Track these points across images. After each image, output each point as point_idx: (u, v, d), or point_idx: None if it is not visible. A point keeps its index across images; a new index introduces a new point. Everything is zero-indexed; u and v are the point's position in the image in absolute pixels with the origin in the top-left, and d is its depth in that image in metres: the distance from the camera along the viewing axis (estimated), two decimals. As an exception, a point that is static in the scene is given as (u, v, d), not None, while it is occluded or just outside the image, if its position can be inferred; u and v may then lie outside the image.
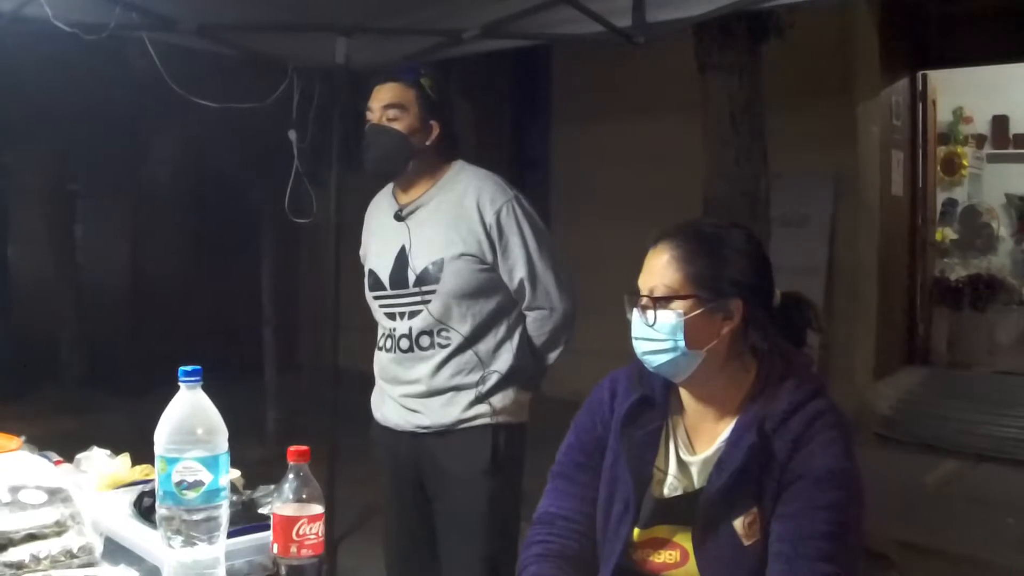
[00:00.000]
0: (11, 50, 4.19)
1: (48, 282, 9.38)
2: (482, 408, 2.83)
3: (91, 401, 8.37)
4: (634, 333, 1.93)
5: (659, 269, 1.90)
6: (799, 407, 1.86)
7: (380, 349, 2.98)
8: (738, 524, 1.84)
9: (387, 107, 2.83)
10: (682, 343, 1.86)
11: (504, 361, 2.85)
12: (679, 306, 1.87)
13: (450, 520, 2.89)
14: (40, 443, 2.40)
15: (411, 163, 2.85)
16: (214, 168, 7.73)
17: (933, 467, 6.54)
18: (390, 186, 3.01)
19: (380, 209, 3.03)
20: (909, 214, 8.73)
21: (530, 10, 3.85)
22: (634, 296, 1.94)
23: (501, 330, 2.86)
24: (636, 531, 1.94)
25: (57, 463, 2.25)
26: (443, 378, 2.83)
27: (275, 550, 1.61)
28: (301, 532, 1.59)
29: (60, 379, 9.02)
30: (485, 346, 2.84)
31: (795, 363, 1.95)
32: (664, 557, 1.92)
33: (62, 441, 2.58)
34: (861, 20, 7.37)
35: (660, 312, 1.88)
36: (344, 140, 4.43)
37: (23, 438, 2.33)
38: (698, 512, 1.87)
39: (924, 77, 8.77)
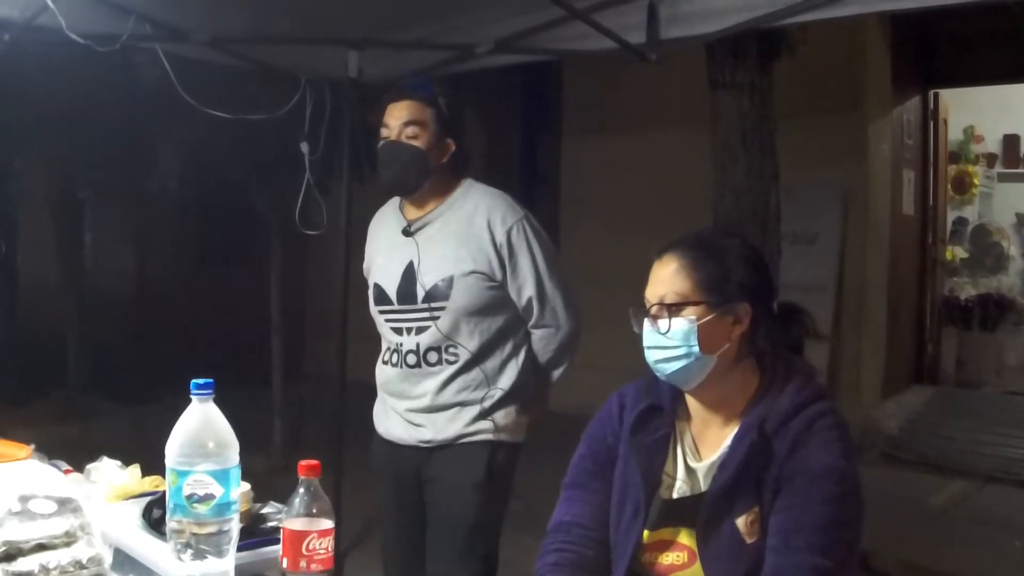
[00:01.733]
0: (23, 58, 4.21)
1: (55, 288, 9.40)
2: (484, 424, 2.85)
3: (96, 408, 8.38)
4: (646, 343, 1.96)
5: (668, 278, 1.94)
6: (800, 409, 1.89)
7: (385, 363, 2.98)
8: (740, 523, 1.87)
9: (406, 124, 2.83)
10: (696, 348, 1.90)
11: (508, 378, 2.87)
12: (691, 312, 1.92)
13: (439, 528, 2.92)
14: (45, 449, 2.40)
15: (428, 179, 2.86)
16: (223, 177, 7.75)
17: (940, 487, 6.51)
18: (395, 201, 3.01)
19: (386, 224, 3.04)
20: (919, 232, 8.71)
21: (543, 26, 3.87)
22: (641, 308, 1.97)
23: (507, 348, 2.88)
24: (645, 533, 1.96)
25: (67, 472, 2.26)
26: (449, 394, 2.85)
27: (284, 564, 1.61)
28: (311, 547, 1.59)
29: (65, 385, 9.03)
30: (492, 363, 2.86)
31: (797, 369, 1.99)
32: (672, 559, 1.95)
33: (67, 448, 2.58)
34: (872, 38, 7.37)
35: (673, 319, 1.91)
36: (355, 152, 4.44)
37: (33, 447, 2.34)
38: (701, 511, 1.90)
39: (935, 96, 8.76)
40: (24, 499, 1.80)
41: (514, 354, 2.89)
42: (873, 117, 7.46)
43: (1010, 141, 10.17)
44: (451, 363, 2.84)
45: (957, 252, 10.08)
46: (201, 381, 1.61)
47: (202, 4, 3.73)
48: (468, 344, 2.83)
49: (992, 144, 10.25)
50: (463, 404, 2.85)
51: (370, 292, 3.02)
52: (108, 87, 6.85)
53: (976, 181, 10.19)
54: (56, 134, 7.97)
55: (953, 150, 9.80)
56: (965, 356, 8.90)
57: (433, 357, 2.85)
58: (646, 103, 7.74)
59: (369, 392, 3.12)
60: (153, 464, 1.68)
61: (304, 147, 4.28)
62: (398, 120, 2.84)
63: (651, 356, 1.95)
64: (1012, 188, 10.26)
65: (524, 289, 2.84)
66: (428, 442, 2.88)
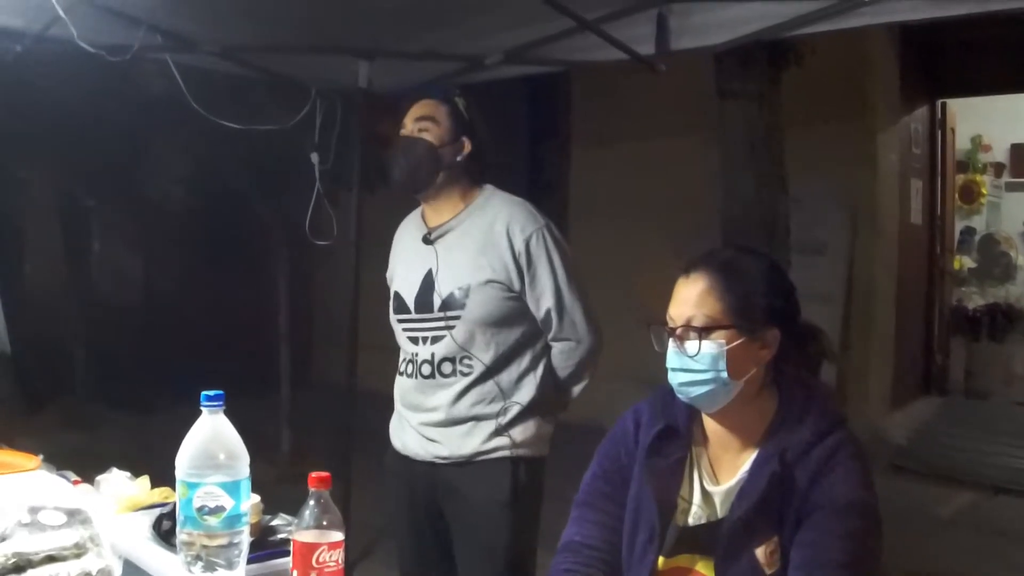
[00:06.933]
0: (33, 68, 4.22)
1: (62, 296, 9.41)
2: (502, 440, 2.76)
3: (103, 417, 8.37)
4: (670, 364, 1.90)
5: (696, 299, 1.88)
6: (821, 438, 1.85)
7: (401, 375, 2.92)
8: (760, 553, 1.83)
9: (418, 120, 2.83)
10: (724, 373, 1.84)
11: (526, 393, 2.79)
12: (720, 336, 1.86)
13: (469, 550, 2.84)
14: (52, 459, 2.40)
15: (440, 175, 2.81)
16: (231, 186, 7.76)
17: (948, 498, 6.50)
18: (420, 208, 2.97)
19: (408, 231, 3.00)
20: (927, 242, 8.71)
21: (553, 37, 3.86)
22: (662, 327, 1.91)
23: (525, 360, 2.80)
24: (660, 560, 1.93)
25: (76, 483, 2.26)
26: (463, 407, 2.77)
27: (295, 577, 1.60)
28: (321, 559, 1.59)
29: (72, 394, 9.03)
30: (507, 376, 2.78)
31: (816, 393, 1.95)
32: None
33: (74, 457, 2.58)
34: (880, 48, 7.37)
35: (702, 343, 1.85)
36: (364, 162, 4.45)
37: (41, 457, 2.34)
38: (720, 541, 1.86)
39: (943, 105, 8.78)
40: (33, 510, 1.80)
41: (532, 367, 2.81)
42: (881, 126, 7.47)
43: (1018, 150, 10.17)
44: (465, 375, 2.77)
45: (965, 262, 10.07)
46: (211, 393, 1.61)
47: (213, 14, 3.73)
48: (483, 356, 2.76)
49: (1000, 153, 10.26)
50: (478, 418, 2.77)
51: (391, 301, 2.98)
52: (116, 97, 6.86)
53: (984, 191, 10.19)
54: (64, 143, 7.98)
55: (961, 159, 9.81)
56: (974, 366, 8.88)
57: (447, 368, 2.79)
58: (655, 112, 7.74)
59: (378, 402, 3.09)
60: (161, 473, 1.68)
61: (314, 157, 4.28)
62: (412, 117, 2.84)
63: (675, 378, 1.89)
64: (1020, 197, 10.26)
65: (543, 300, 2.76)
66: (445, 458, 2.81)
